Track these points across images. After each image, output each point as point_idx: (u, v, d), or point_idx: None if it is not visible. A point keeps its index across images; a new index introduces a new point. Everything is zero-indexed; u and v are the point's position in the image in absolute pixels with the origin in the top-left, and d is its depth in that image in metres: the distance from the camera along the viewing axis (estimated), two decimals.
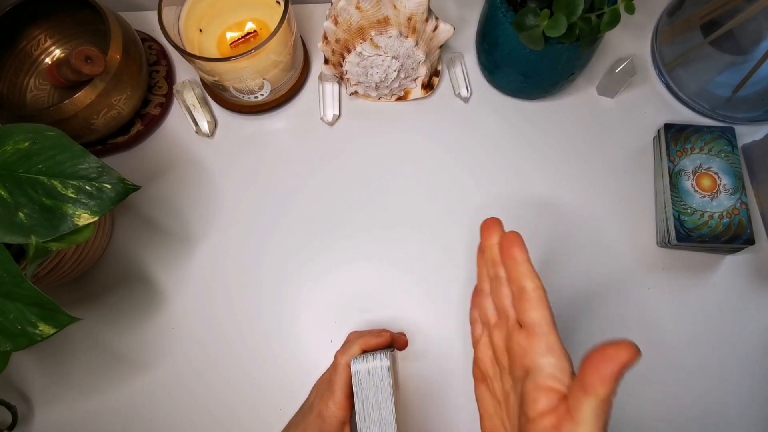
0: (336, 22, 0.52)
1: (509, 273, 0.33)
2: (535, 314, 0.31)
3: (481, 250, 0.37)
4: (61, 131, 0.42)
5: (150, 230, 0.57)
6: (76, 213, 0.40)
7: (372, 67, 0.55)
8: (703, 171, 0.54)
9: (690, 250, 0.55)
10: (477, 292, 0.38)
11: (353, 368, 0.38)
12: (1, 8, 0.53)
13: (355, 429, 0.38)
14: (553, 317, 0.31)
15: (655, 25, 0.63)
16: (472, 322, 0.38)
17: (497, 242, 0.35)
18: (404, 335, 0.45)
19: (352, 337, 0.42)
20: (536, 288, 0.32)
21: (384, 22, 0.51)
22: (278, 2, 0.55)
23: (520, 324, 0.32)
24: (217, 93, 0.60)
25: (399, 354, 0.50)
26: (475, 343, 0.37)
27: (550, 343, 0.30)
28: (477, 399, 0.36)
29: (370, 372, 0.37)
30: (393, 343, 0.44)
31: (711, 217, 0.52)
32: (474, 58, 0.62)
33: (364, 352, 0.40)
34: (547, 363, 0.30)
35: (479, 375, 0.37)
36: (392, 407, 0.37)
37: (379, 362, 0.37)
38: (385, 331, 0.43)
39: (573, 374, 0.29)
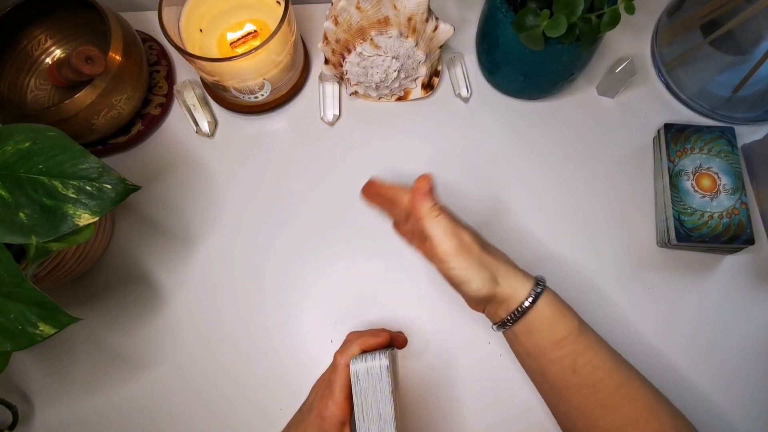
0: (336, 22, 0.52)
1: (382, 198, 0.47)
2: (406, 202, 0.44)
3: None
4: (62, 131, 0.42)
5: (150, 230, 0.57)
6: (77, 213, 0.40)
7: (372, 68, 0.55)
8: (703, 171, 0.54)
9: (690, 250, 0.55)
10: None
11: (352, 368, 0.38)
12: (2, 8, 0.53)
13: (355, 429, 0.38)
14: (406, 191, 0.44)
15: (655, 26, 0.63)
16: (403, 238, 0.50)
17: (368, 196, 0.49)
18: (403, 334, 0.46)
19: (351, 338, 0.42)
20: (388, 191, 0.46)
21: (384, 22, 0.51)
22: (278, 2, 0.55)
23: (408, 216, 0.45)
24: (217, 93, 0.60)
25: (398, 353, 0.50)
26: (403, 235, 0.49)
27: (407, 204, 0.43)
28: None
29: (369, 372, 0.37)
30: (392, 342, 0.44)
31: (711, 217, 0.52)
32: (474, 58, 0.62)
33: (364, 352, 0.40)
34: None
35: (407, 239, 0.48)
36: (391, 407, 0.37)
37: (378, 362, 0.37)
38: (383, 330, 0.43)
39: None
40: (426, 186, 0.41)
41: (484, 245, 0.42)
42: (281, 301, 0.54)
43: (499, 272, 0.40)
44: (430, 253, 0.42)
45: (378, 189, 0.47)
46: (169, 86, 0.61)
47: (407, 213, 0.44)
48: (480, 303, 0.42)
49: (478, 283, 0.39)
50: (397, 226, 0.49)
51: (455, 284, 0.41)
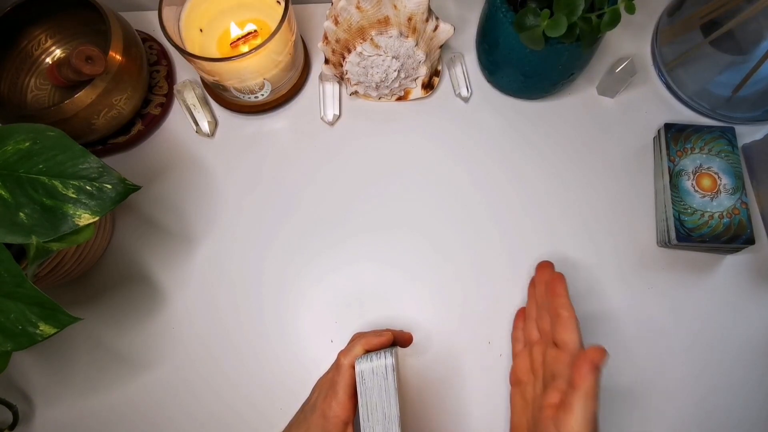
0: (336, 22, 0.52)
1: (551, 303, 0.44)
2: (567, 336, 0.41)
3: (533, 284, 0.50)
4: (62, 131, 0.42)
5: (150, 230, 0.57)
6: (77, 213, 0.40)
7: (372, 67, 0.55)
8: (703, 171, 0.54)
9: (690, 250, 0.55)
10: (522, 317, 0.50)
11: (357, 368, 0.38)
12: (2, 8, 0.53)
13: (359, 429, 0.38)
14: (581, 337, 0.40)
15: (655, 25, 0.63)
16: (514, 340, 0.49)
17: (546, 281, 0.46)
18: (408, 332, 0.46)
19: (355, 338, 0.42)
20: (569, 317, 0.41)
21: (384, 22, 0.51)
22: (278, 2, 0.55)
23: (555, 343, 0.42)
24: (217, 93, 0.60)
25: (400, 352, 0.50)
26: (515, 356, 0.48)
27: (574, 359, 0.38)
28: (510, 399, 0.46)
29: (374, 371, 0.37)
30: (396, 341, 0.44)
31: (711, 217, 0.52)
32: (474, 58, 0.62)
33: (367, 351, 0.40)
34: (568, 373, 0.38)
35: (515, 380, 0.47)
36: (396, 405, 0.37)
37: (383, 360, 0.37)
38: (387, 330, 0.43)
39: None
40: (601, 360, 0.37)
41: None
42: (281, 300, 0.54)
43: None
44: (553, 410, 0.38)
45: (556, 282, 0.44)
46: (169, 86, 0.61)
47: (564, 353, 0.41)
48: None
49: None
50: (526, 318, 0.48)
51: None
